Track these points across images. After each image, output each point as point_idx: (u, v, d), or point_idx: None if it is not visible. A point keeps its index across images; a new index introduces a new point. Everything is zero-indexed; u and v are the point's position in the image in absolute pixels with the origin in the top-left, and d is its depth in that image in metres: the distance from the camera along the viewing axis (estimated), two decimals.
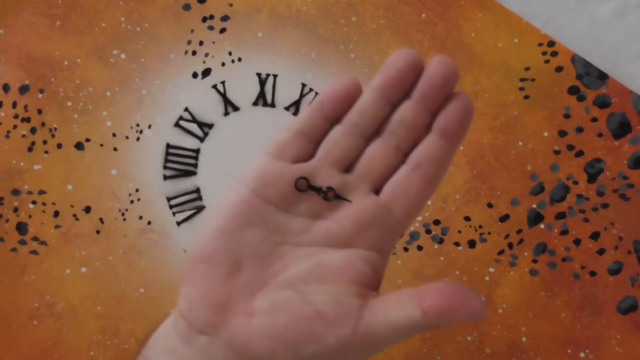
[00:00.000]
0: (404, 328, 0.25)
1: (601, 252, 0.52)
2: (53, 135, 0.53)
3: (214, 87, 0.54)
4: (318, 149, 0.28)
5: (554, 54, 0.53)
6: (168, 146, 0.53)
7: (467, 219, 0.53)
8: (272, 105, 0.54)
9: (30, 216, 0.53)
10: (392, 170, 0.28)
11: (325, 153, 0.28)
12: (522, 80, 0.53)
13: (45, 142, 0.53)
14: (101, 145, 0.53)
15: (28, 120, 0.53)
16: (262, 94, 0.54)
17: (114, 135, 0.53)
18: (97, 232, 0.53)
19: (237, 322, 0.26)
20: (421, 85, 0.27)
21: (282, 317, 0.26)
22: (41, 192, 0.53)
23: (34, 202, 0.53)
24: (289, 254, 0.28)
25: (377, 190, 0.29)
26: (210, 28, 0.55)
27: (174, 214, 0.53)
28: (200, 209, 0.53)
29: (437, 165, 0.28)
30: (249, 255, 0.27)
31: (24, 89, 0.54)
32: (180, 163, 0.53)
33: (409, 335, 0.26)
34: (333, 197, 0.28)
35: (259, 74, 0.54)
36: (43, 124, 0.53)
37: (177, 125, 0.54)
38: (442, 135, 0.27)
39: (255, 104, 0.54)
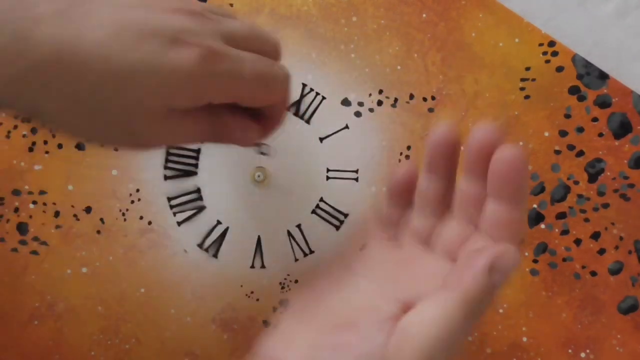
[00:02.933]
0: (443, 319, 0.24)
1: (602, 252, 0.53)
2: (54, 136, 0.53)
3: None
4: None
5: (555, 53, 0.53)
6: (169, 146, 0.53)
7: None
8: None
9: (30, 216, 0.53)
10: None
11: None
12: (522, 80, 0.53)
13: (45, 142, 0.53)
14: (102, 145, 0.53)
15: (29, 120, 0.53)
16: None
17: None
18: (98, 232, 0.53)
19: None
20: (465, 160, 0.29)
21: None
22: (42, 192, 0.53)
23: (34, 202, 0.53)
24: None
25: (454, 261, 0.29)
26: None
27: (174, 214, 0.53)
28: (200, 209, 0.53)
29: (506, 229, 0.26)
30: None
31: None
32: (181, 163, 0.53)
33: (455, 324, 0.24)
34: None
35: None
36: None
37: None
38: (499, 200, 0.26)
39: None
